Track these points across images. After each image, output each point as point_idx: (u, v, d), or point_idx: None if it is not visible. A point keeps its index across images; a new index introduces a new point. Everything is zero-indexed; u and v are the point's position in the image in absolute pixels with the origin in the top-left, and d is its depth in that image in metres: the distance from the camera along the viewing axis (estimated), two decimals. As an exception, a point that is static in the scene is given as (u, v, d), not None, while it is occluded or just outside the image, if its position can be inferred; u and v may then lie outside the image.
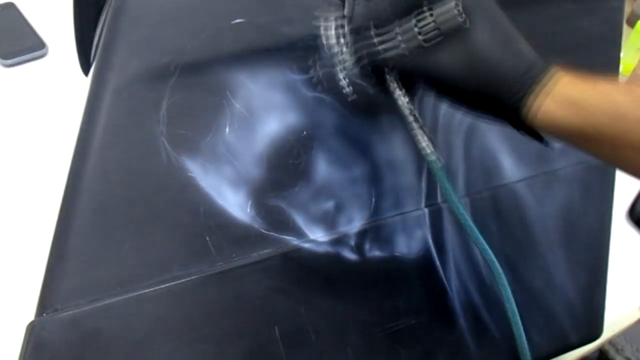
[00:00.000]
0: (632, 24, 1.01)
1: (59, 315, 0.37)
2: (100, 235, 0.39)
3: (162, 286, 0.40)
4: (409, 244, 0.47)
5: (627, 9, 1.04)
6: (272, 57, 0.43)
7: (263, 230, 0.43)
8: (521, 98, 0.35)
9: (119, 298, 0.39)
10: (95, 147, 0.39)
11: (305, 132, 0.44)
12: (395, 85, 0.39)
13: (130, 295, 0.39)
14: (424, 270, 0.47)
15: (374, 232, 0.45)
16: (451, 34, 0.36)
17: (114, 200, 0.39)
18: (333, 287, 0.44)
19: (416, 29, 0.37)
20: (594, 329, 0.54)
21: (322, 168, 0.45)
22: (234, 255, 0.42)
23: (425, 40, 0.37)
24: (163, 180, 0.40)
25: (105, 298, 0.38)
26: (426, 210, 0.47)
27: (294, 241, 0.43)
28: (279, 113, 0.43)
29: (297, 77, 0.44)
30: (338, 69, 0.40)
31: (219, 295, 0.41)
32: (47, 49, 0.78)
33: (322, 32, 0.40)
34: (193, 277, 0.40)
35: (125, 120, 0.39)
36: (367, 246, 0.44)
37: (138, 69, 0.39)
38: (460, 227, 0.48)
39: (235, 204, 0.42)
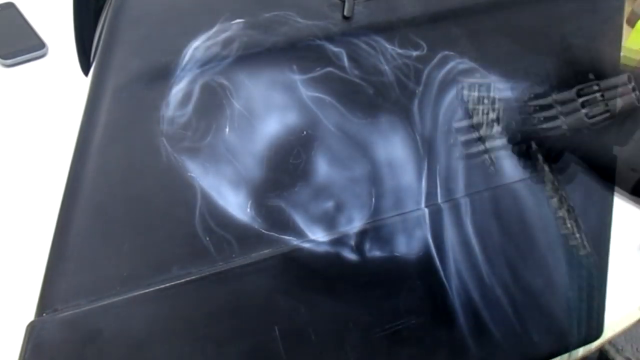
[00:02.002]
0: (632, 24, 1.01)
1: (59, 315, 0.37)
2: (100, 235, 0.39)
3: (162, 286, 0.40)
4: (409, 244, 0.47)
5: (627, 9, 1.04)
6: (272, 57, 0.43)
7: (263, 230, 0.43)
8: None
9: (119, 298, 0.39)
10: (95, 147, 0.39)
11: (305, 132, 0.44)
12: (541, 159, 0.36)
13: (130, 295, 0.39)
14: (424, 270, 0.47)
15: (374, 232, 0.45)
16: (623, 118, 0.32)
17: (113, 200, 0.39)
18: (333, 287, 0.44)
19: (583, 111, 0.32)
20: (594, 329, 0.54)
21: (322, 168, 0.45)
22: (234, 255, 0.42)
23: (592, 124, 0.33)
24: (163, 180, 0.40)
25: (105, 298, 0.38)
26: (426, 210, 0.47)
27: (294, 241, 0.43)
28: (279, 113, 0.43)
29: (297, 77, 0.44)
30: (487, 147, 0.37)
31: (219, 295, 0.41)
32: (47, 49, 0.78)
33: (471, 106, 0.36)
34: (193, 277, 0.40)
35: (125, 120, 0.39)
36: (367, 246, 0.44)
37: (138, 69, 0.39)
38: (460, 227, 0.48)
39: (235, 204, 0.42)
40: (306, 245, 0.44)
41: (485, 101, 0.35)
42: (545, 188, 0.35)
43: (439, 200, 0.48)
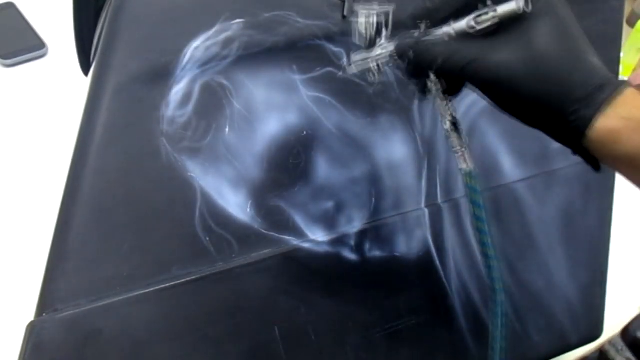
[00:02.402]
0: (632, 24, 1.01)
1: (59, 315, 0.37)
2: (100, 235, 0.39)
3: (162, 286, 0.40)
4: (409, 244, 0.47)
5: (627, 9, 1.04)
6: (272, 57, 0.43)
7: (263, 230, 0.43)
8: (587, 117, 0.31)
9: (119, 298, 0.39)
10: (95, 147, 0.39)
11: (305, 132, 0.44)
12: (436, 86, 0.35)
13: (130, 295, 0.39)
14: (424, 270, 0.47)
15: (374, 232, 0.45)
16: (510, 25, 0.32)
17: (113, 200, 0.39)
18: (333, 287, 0.44)
19: (472, 22, 0.32)
20: (594, 329, 0.54)
21: (322, 168, 0.45)
22: (234, 255, 0.42)
23: (476, 23, 0.32)
24: (163, 180, 0.40)
25: (105, 298, 0.38)
26: (426, 210, 0.47)
27: (294, 241, 0.43)
28: (279, 113, 0.43)
29: (297, 77, 0.44)
30: (371, 56, 0.37)
31: (219, 295, 0.41)
32: (47, 49, 0.78)
33: (361, 19, 0.36)
34: (193, 277, 0.40)
35: (125, 120, 0.39)
36: (367, 246, 0.44)
37: (138, 69, 0.39)
38: (460, 227, 0.48)
39: (235, 204, 0.42)
40: (306, 245, 0.44)
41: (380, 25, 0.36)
42: (439, 110, 0.36)
43: (439, 200, 0.48)
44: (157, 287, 0.39)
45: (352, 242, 0.45)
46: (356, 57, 0.38)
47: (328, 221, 0.44)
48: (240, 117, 0.42)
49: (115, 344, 0.38)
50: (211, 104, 0.41)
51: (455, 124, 0.36)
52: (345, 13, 0.44)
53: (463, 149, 0.36)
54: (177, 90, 0.40)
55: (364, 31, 0.37)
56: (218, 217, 0.41)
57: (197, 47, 0.41)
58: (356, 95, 0.46)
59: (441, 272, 0.47)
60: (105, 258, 0.39)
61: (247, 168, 0.42)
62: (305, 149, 0.44)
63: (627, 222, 0.62)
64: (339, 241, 0.44)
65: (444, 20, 0.34)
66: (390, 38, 0.37)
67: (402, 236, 0.46)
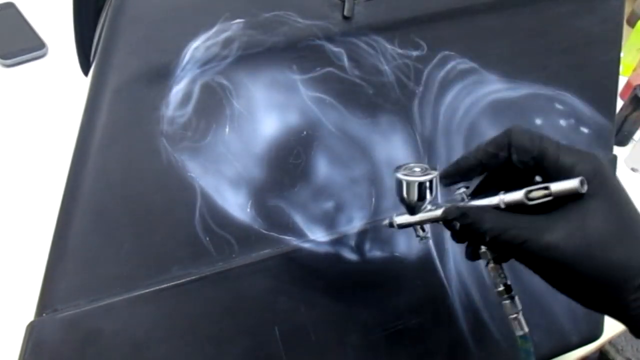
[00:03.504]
0: (632, 24, 1.01)
1: (59, 315, 0.37)
2: (100, 235, 0.39)
3: (162, 286, 0.40)
4: (409, 244, 0.47)
5: (627, 9, 1.04)
6: (272, 57, 0.43)
7: (263, 230, 0.43)
8: None
9: (119, 298, 0.39)
10: (95, 147, 0.39)
11: (305, 132, 0.44)
12: (487, 256, 0.35)
13: (130, 295, 0.39)
14: (424, 271, 0.47)
15: (374, 232, 0.45)
16: (565, 203, 0.31)
17: (113, 200, 0.39)
18: (333, 287, 0.44)
19: (524, 198, 0.31)
20: (594, 329, 0.54)
21: (322, 168, 0.45)
22: (234, 255, 0.42)
23: (529, 199, 0.31)
24: (163, 180, 0.40)
25: (105, 298, 0.38)
26: (426, 210, 0.47)
27: (294, 241, 0.43)
28: (279, 113, 0.43)
29: (297, 77, 0.44)
30: (415, 220, 0.37)
31: (219, 295, 0.41)
32: (47, 49, 0.78)
33: (404, 186, 0.35)
34: (193, 277, 0.40)
35: (125, 120, 0.39)
36: (367, 246, 0.44)
37: (138, 69, 0.39)
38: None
39: (235, 204, 0.42)
40: (306, 245, 0.44)
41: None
42: (492, 278, 0.35)
43: (439, 200, 0.48)
44: (157, 287, 0.39)
45: (352, 242, 0.45)
46: (399, 219, 0.38)
47: (328, 221, 0.44)
48: (240, 117, 0.42)
49: (115, 344, 0.38)
50: (211, 104, 0.41)
51: (509, 291, 0.35)
52: (345, 13, 0.44)
53: (517, 314, 0.35)
54: (177, 90, 0.40)
55: (405, 197, 0.36)
56: (218, 217, 0.41)
57: (197, 47, 0.41)
58: (356, 95, 0.46)
59: (441, 272, 0.47)
60: (105, 258, 0.39)
61: (247, 168, 0.42)
62: (305, 149, 0.44)
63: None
64: (339, 241, 0.44)
65: (482, 189, 0.34)
66: (434, 202, 0.36)
67: (402, 236, 0.46)
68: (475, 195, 0.35)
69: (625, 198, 0.32)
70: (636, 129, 0.85)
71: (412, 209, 0.37)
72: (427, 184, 0.35)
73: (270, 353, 0.42)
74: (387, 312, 0.45)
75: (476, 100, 0.50)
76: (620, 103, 0.81)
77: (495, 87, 0.51)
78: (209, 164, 0.41)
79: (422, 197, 0.35)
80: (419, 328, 0.43)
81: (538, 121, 0.52)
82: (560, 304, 0.52)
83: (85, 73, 0.54)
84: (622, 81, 0.88)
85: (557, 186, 0.30)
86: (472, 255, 0.36)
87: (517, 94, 0.52)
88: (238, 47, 0.42)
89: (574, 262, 0.30)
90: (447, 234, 0.37)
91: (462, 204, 0.35)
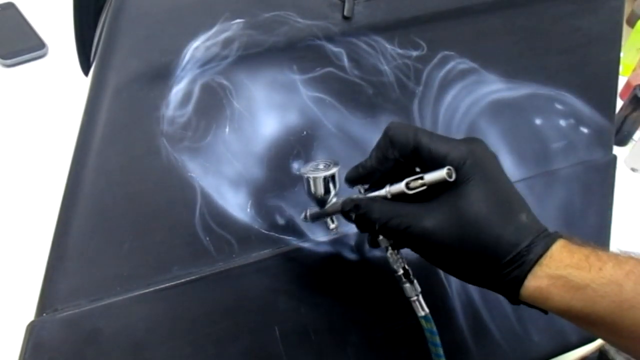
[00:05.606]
0: (632, 24, 1.01)
1: (59, 315, 0.37)
2: (100, 235, 0.39)
3: (162, 286, 0.40)
4: (409, 244, 0.47)
5: (627, 9, 1.04)
6: (272, 57, 0.43)
7: (263, 230, 0.43)
8: (518, 278, 0.32)
9: (119, 298, 0.39)
10: (95, 147, 0.39)
11: (305, 132, 0.44)
12: (384, 243, 0.37)
13: (130, 295, 0.39)
14: (424, 270, 0.47)
15: (374, 232, 0.45)
16: (441, 191, 0.33)
17: (114, 200, 0.39)
18: (333, 287, 0.44)
19: (404, 187, 0.34)
20: (594, 329, 0.54)
21: (322, 168, 0.45)
22: (234, 255, 0.42)
23: (408, 188, 0.34)
24: (163, 180, 0.40)
25: (105, 298, 0.38)
26: (426, 210, 0.47)
27: (293, 241, 0.43)
28: (279, 113, 0.44)
29: (297, 77, 0.44)
30: (324, 212, 0.40)
31: (219, 295, 0.41)
32: (47, 49, 0.78)
33: (311, 182, 0.39)
34: (193, 277, 0.40)
35: (125, 120, 0.39)
36: (367, 246, 0.44)
37: (138, 69, 0.39)
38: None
39: (235, 204, 0.42)
40: (306, 245, 0.44)
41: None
42: (390, 264, 0.38)
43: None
44: (157, 287, 0.39)
45: (352, 242, 0.45)
46: (312, 211, 0.41)
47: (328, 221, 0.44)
48: (240, 117, 0.42)
49: (115, 344, 0.38)
50: (211, 104, 0.41)
51: (407, 275, 0.37)
52: (345, 13, 0.44)
53: (417, 296, 0.37)
54: (177, 90, 0.40)
55: (312, 192, 0.39)
56: (218, 217, 0.41)
57: (197, 47, 0.41)
58: (356, 95, 0.46)
59: (441, 272, 0.47)
60: (105, 258, 0.39)
61: (247, 168, 0.42)
62: (305, 149, 0.44)
63: (627, 222, 0.62)
64: (339, 241, 0.44)
65: (379, 183, 0.36)
66: (339, 195, 0.39)
67: (402, 236, 0.46)
68: (373, 187, 0.37)
69: (500, 180, 0.34)
70: (636, 129, 0.85)
71: (322, 203, 0.40)
72: (330, 178, 0.39)
73: (270, 353, 0.42)
74: (387, 312, 0.45)
75: (476, 100, 0.50)
76: (620, 103, 0.81)
77: (495, 87, 0.51)
78: (209, 163, 0.41)
79: (327, 190, 0.39)
80: (419, 328, 0.43)
81: (538, 121, 0.52)
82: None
83: (86, 73, 0.54)
84: (621, 81, 0.88)
85: (429, 176, 0.33)
86: (372, 242, 0.39)
87: (517, 93, 0.52)
88: (238, 47, 0.42)
89: (451, 244, 0.33)
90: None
91: (355, 196, 0.38)
